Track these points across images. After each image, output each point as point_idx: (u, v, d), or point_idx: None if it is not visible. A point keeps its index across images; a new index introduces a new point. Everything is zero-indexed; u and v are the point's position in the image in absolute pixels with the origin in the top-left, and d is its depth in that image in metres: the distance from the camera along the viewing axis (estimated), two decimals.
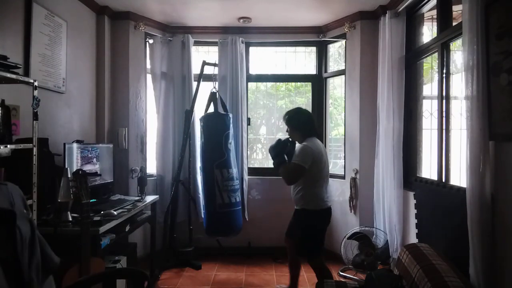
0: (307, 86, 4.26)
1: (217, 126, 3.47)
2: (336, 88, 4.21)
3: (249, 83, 4.16)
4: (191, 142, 3.76)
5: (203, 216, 3.60)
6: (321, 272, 2.53)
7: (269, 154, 2.62)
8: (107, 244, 2.32)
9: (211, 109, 3.64)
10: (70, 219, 2.22)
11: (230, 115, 3.61)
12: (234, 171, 3.51)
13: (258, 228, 3.94)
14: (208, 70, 3.80)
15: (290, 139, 2.63)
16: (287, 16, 3.69)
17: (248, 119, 4.01)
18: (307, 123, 2.59)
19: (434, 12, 2.85)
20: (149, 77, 3.87)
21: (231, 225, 3.44)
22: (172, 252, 3.62)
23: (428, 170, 2.89)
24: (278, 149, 2.55)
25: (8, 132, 1.94)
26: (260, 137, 4.40)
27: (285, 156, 2.54)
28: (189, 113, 3.63)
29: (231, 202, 3.39)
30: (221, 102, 3.67)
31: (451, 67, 2.56)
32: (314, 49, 4.21)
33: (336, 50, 4.17)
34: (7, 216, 1.33)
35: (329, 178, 3.88)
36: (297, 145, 2.61)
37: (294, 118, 2.60)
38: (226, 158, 3.43)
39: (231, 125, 3.55)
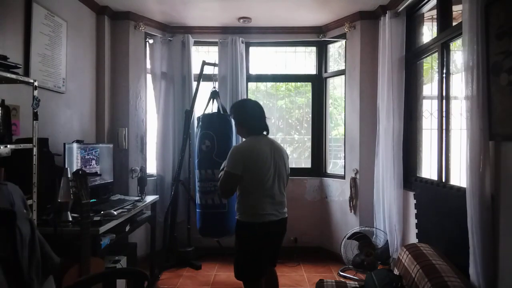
0: (307, 86, 4.26)
1: (198, 127, 3.57)
2: (336, 88, 4.21)
3: (249, 83, 4.16)
4: (191, 142, 3.76)
5: None
6: None
7: None
8: (107, 244, 2.32)
9: (212, 108, 3.65)
10: (70, 219, 2.22)
11: (215, 115, 3.54)
12: (211, 172, 3.35)
13: None
14: (208, 70, 3.80)
15: None
16: (287, 16, 3.69)
17: None
18: (252, 118, 2.15)
19: (434, 12, 2.85)
20: (149, 77, 3.87)
21: (205, 225, 3.46)
22: (172, 252, 3.62)
23: (428, 170, 2.89)
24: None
25: (8, 132, 1.94)
26: None
27: None
28: (189, 113, 3.64)
29: (201, 203, 3.45)
30: (219, 102, 3.67)
31: (451, 67, 2.56)
32: (314, 49, 4.21)
33: (336, 50, 4.17)
34: (7, 216, 1.33)
35: (327, 178, 4.00)
36: None
37: (238, 111, 2.20)
38: (199, 159, 3.48)
39: (213, 125, 3.45)
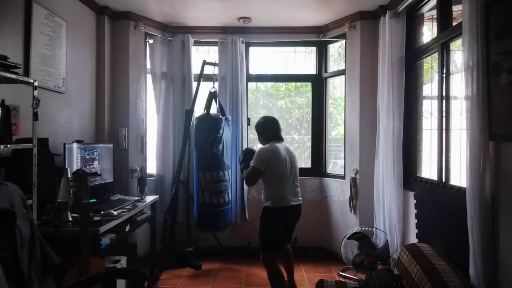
0: (307, 86, 4.26)
1: (204, 129, 3.53)
2: (336, 88, 4.21)
3: (249, 83, 4.16)
4: (191, 142, 3.76)
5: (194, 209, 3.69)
6: (272, 272, 2.63)
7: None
8: (107, 244, 2.32)
9: (212, 109, 3.65)
10: (70, 219, 2.22)
11: (222, 118, 3.57)
12: (222, 173, 3.50)
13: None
14: (208, 70, 3.80)
15: (253, 148, 3.04)
16: (287, 16, 3.69)
17: (248, 119, 4.01)
18: (268, 130, 2.82)
19: (434, 12, 2.85)
20: (149, 77, 3.87)
21: (211, 223, 3.58)
22: (172, 252, 3.62)
23: (428, 170, 2.89)
24: (245, 157, 2.81)
25: (8, 132, 1.95)
26: None
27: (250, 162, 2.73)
28: (189, 113, 3.63)
29: (212, 203, 3.48)
30: (218, 103, 3.67)
31: (451, 67, 2.56)
32: (314, 49, 4.21)
33: (336, 50, 4.17)
34: (7, 216, 1.33)
35: (327, 178, 4.00)
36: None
37: (258, 126, 2.88)
38: (210, 161, 3.48)
39: (222, 128, 3.52)
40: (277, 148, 2.69)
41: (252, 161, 2.65)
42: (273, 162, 2.63)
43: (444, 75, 2.56)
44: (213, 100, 3.66)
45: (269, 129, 2.82)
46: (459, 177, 2.36)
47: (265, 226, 2.67)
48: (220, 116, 3.60)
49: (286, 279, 3.09)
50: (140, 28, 3.69)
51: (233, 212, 3.83)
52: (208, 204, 3.48)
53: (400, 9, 3.06)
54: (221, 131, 3.52)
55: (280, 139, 2.81)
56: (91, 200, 2.10)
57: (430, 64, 3.08)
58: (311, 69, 4.23)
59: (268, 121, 2.86)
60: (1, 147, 1.80)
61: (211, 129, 3.50)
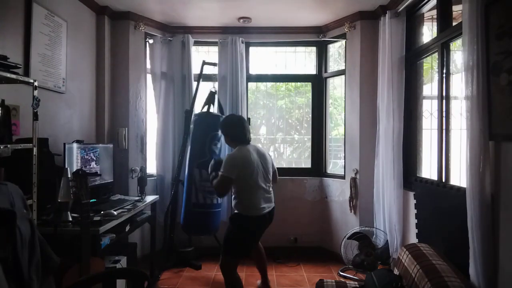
0: (307, 86, 4.26)
1: (204, 126, 3.49)
2: (336, 88, 4.21)
3: (249, 83, 4.16)
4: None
5: (182, 211, 3.56)
6: (228, 282, 2.54)
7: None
8: (107, 244, 2.32)
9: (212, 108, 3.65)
10: (70, 219, 2.22)
11: (223, 117, 3.53)
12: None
13: None
14: (208, 70, 3.80)
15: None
16: (287, 16, 3.69)
17: (248, 119, 4.00)
18: (235, 131, 2.62)
19: (434, 12, 2.85)
20: (149, 77, 3.87)
21: (203, 225, 3.47)
22: (172, 252, 3.62)
23: (428, 170, 2.89)
24: (215, 167, 2.60)
25: (8, 132, 1.95)
26: (260, 137, 4.40)
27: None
28: (189, 113, 3.63)
29: (206, 203, 3.40)
30: (218, 103, 3.67)
31: (451, 67, 2.56)
32: (314, 49, 4.21)
33: (336, 50, 4.17)
34: (7, 216, 1.33)
35: (327, 178, 4.00)
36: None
37: (224, 127, 2.70)
38: (208, 159, 3.36)
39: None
40: (247, 153, 2.51)
41: (221, 169, 2.46)
42: (244, 169, 2.46)
43: (444, 75, 2.56)
44: (212, 100, 3.65)
45: (235, 130, 2.62)
46: (459, 177, 2.36)
47: (234, 232, 2.54)
48: (221, 115, 3.59)
49: (259, 280, 3.10)
50: (140, 28, 3.69)
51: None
52: (201, 204, 3.39)
53: (400, 9, 3.06)
54: (217, 129, 3.44)
55: (249, 141, 2.64)
56: (91, 200, 2.11)
57: (430, 64, 3.08)
58: (311, 69, 4.23)
59: (235, 122, 2.68)
60: (1, 147, 1.80)
61: (211, 126, 3.46)
